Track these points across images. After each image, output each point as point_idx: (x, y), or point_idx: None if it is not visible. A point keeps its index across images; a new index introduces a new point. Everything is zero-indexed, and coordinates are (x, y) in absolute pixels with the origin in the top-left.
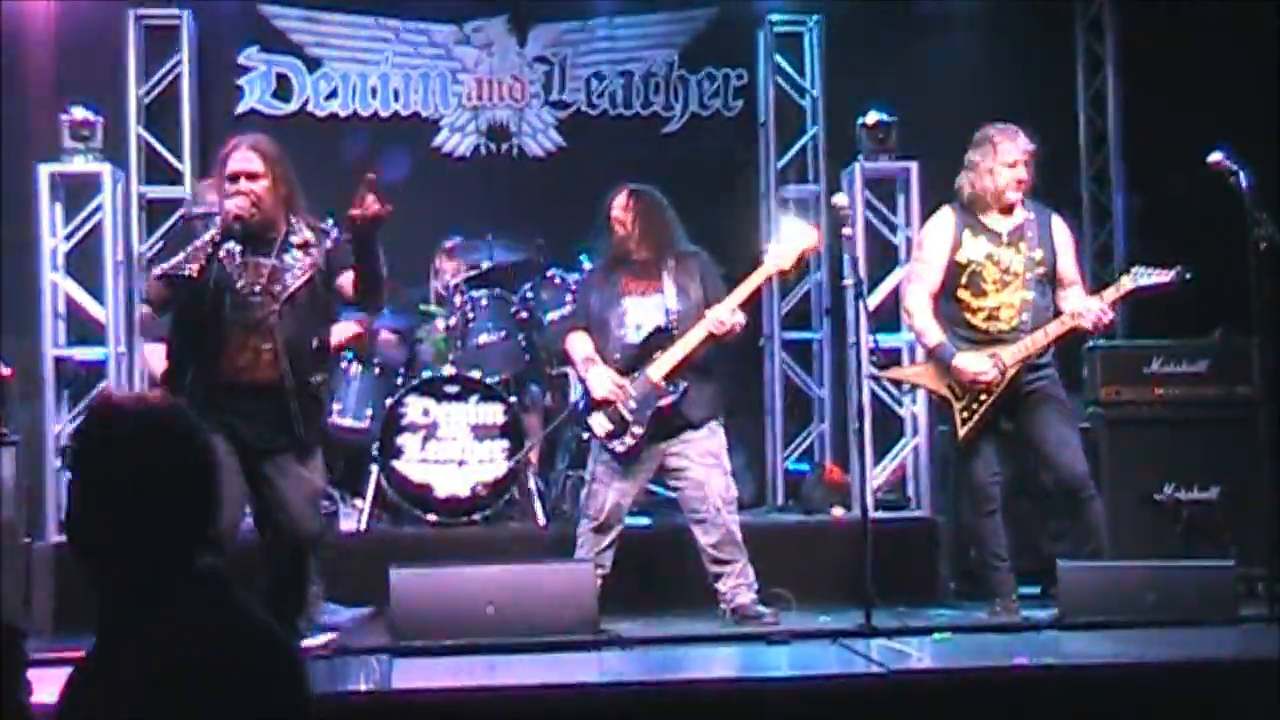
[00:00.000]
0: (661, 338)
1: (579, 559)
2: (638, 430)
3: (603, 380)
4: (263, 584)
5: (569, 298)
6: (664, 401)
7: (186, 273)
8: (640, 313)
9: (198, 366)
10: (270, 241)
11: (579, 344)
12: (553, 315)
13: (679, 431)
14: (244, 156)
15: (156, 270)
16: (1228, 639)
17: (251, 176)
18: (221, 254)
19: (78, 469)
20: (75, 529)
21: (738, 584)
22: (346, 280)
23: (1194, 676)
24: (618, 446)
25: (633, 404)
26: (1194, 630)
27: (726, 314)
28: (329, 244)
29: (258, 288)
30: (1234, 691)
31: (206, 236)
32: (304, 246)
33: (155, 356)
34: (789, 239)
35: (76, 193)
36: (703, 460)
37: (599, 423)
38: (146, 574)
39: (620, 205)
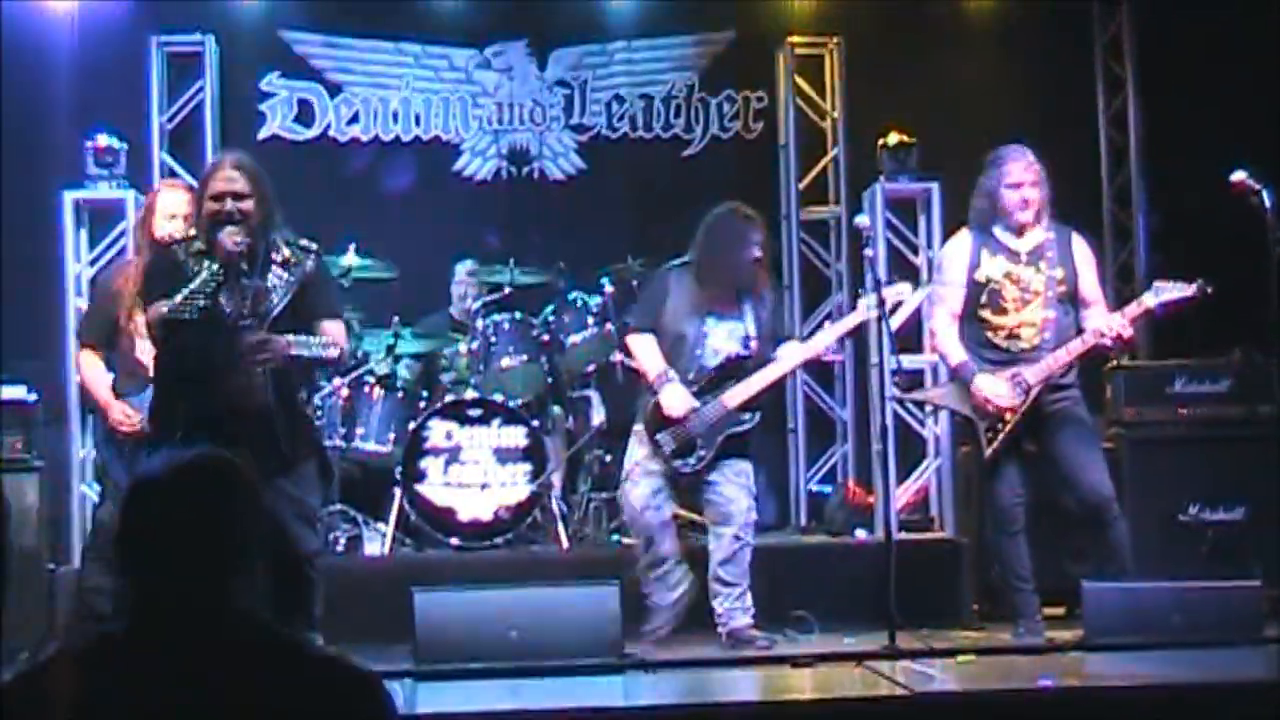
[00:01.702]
0: (737, 365)
1: (674, 589)
2: (704, 454)
3: (681, 400)
4: (267, 607)
5: (590, 320)
6: (740, 429)
7: (191, 315)
8: (720, 336)
9: (190, 397)
10: (253, 262)
11: (649, 350)
12: (574, 338)
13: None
14: (229, 176)
15: (162, 309)
16: (1254, 660)
17: (238, 196)
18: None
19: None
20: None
21: (734, 607)
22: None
23: (1220, 698)
24: (682, 468)
25: (702, 428)
26: (1220, 651)
27: (834, 342)
28: (310, 262)
29: (245, 311)
30: (1260, 713)
31: (206, 275)
32: (285, 264)
33: (88, 364)
34: (887, 294)
35: (101, 218)
36: (737, 479)
37: (666, 440)
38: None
39: (764, 239)
